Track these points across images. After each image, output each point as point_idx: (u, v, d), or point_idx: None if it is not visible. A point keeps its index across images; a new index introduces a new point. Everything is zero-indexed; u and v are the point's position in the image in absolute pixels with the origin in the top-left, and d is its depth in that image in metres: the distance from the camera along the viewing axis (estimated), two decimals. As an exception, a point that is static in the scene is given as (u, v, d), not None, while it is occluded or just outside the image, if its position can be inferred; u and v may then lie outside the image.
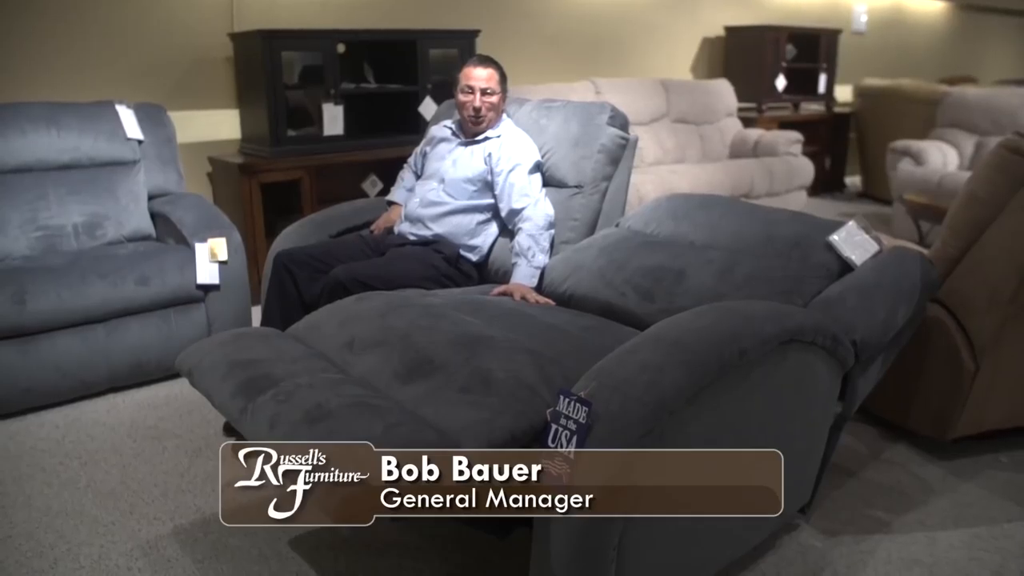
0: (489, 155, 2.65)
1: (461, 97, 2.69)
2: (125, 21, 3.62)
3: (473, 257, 2.67)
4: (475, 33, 4.31)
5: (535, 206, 2.56)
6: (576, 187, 2.64)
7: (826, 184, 6.72)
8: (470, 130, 2.72)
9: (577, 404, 1.41)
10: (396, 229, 2.77)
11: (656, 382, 1.43)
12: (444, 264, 2.57)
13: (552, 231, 2.57)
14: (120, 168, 3.24)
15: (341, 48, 4.02)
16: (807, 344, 1.74)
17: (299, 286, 2.47)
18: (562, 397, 1.44)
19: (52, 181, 3.07)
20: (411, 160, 2.99)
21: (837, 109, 6.69)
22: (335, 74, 3.87)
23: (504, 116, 2.77)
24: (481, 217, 2.68)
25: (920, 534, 2.05)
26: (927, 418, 2.41)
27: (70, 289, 2.67)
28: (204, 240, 2.96)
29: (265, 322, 2.53)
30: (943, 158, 5.21)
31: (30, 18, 3.39)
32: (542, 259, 2.49)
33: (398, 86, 4.15)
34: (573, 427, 1.41)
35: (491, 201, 2.67)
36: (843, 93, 6.98)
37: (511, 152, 2.63)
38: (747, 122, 5.86)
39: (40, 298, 2.61)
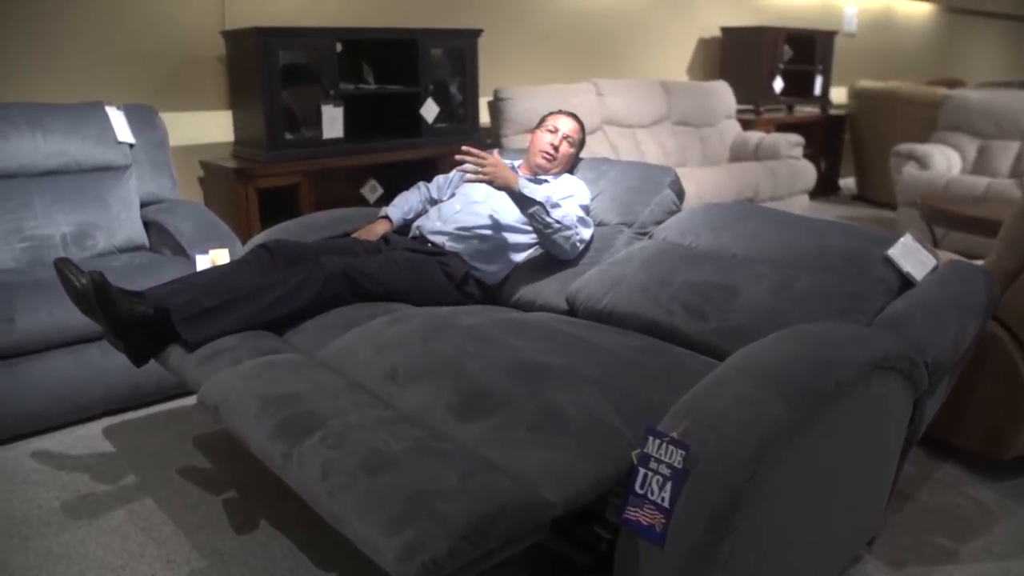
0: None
1: (540, 133, 2.71)
2: (111, 18, 3.40)
3: (487, 279, 2.57)
4: (477, 32, 4.15)
5: (579, 222, 2.49)
6: (622, 225, 2.59)
7: (821, 187, 6.64)
8: (534, 168, 2.69)
9: (671, 447, 1.27)
10: (415, 227, 2.67)
11: (756, 418, 1.29)
12: (444, 280, 2.45)
13: (577, 237, 2.45)
14: (110, 173, 3.04)
15: (339, 47, 3.84)
16: (887, 369, 1.62)
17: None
18: (651, 438, 1.30)
19: (37, 188, 2.86)
20: (432, 185, 2.88)
21: (832, 111, 6.62)
22: (333, 74, 3.69)
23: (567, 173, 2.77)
24: (512, 247, 2.60)
25: (990, 564, 1.94)
26: (981, 436, 2.30)
27: (62, 305, 2.45)
28: (205, 251, 2.77)
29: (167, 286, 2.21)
30: (947, 162, 5.14)
31: (12, 14, 3.16)
32: (554, 215, 2.36)
33: (398, 87, 3.98)
34: (667, 472, 1.26)
35: (529, 239, 2.59)
36: (836, 95, 6.93)
37: (565, 188, 2.61)
38: (744, 124, 5.77)
39: (30, 315, 2.41)
